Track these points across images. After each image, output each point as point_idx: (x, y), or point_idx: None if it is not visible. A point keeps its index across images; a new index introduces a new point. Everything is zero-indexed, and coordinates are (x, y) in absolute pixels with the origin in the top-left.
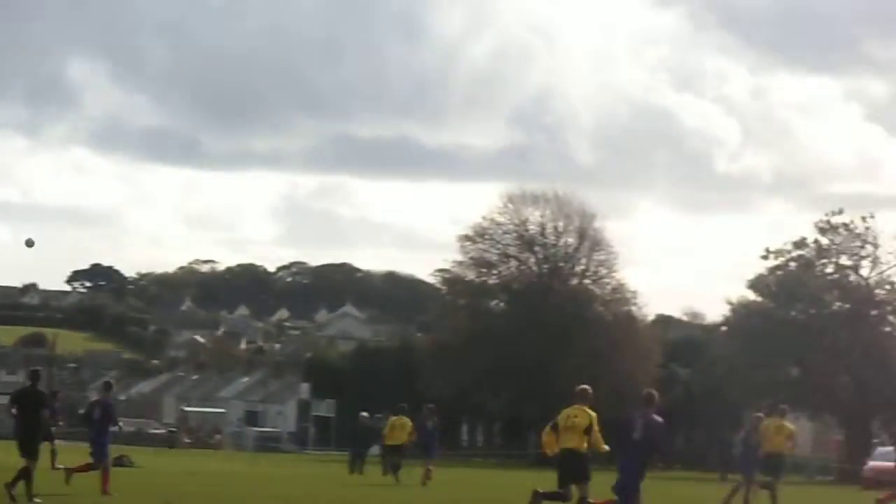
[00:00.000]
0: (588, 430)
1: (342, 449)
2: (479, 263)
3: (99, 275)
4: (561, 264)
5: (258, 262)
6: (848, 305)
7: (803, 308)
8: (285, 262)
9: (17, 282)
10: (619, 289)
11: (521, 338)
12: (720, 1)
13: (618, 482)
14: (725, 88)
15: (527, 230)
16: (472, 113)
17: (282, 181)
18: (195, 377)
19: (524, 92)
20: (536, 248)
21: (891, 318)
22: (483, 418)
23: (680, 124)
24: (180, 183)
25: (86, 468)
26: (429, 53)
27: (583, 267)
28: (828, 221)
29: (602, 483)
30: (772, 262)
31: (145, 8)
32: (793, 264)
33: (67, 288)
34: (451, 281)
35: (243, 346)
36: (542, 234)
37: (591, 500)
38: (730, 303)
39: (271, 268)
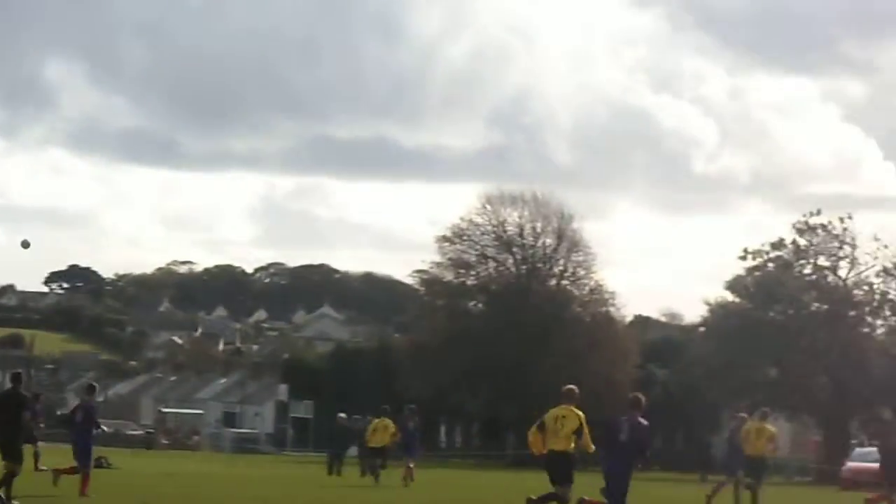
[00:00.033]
0: (578, 432)
1: (320, 450)
2: (458, 264)
3: (76, 276)
4: (539, 265)
5: (236, 263)
6: (826, 306)
7: (781, 309)
8: (263, 263)
9: None
10: (597, 289)
11: (500, 338)
12: (698, 2)
13: (607, 487)
14: (703, 89)
15: (505, 231)
16: (450, 113)
17: (260, 182)
18: (173, 378)
19: (502, 92)
20: (515, 249)
21: (868, 318)
22: (461, 419)
23: (658, 125)
24: (158, 184)
25: (72, 471)
26: (407, 54)
27: (561, 268)
28: (806, 222)
29: (586, 484)
30: (750, 263)
31: (123, 8)
32: (771, 265)
33: (45, 289)
34: (430, 282)
35: (221, 347)
36: (521, 234)
37: (586, 498)
38: (708, 303)
39: (249, 269)
